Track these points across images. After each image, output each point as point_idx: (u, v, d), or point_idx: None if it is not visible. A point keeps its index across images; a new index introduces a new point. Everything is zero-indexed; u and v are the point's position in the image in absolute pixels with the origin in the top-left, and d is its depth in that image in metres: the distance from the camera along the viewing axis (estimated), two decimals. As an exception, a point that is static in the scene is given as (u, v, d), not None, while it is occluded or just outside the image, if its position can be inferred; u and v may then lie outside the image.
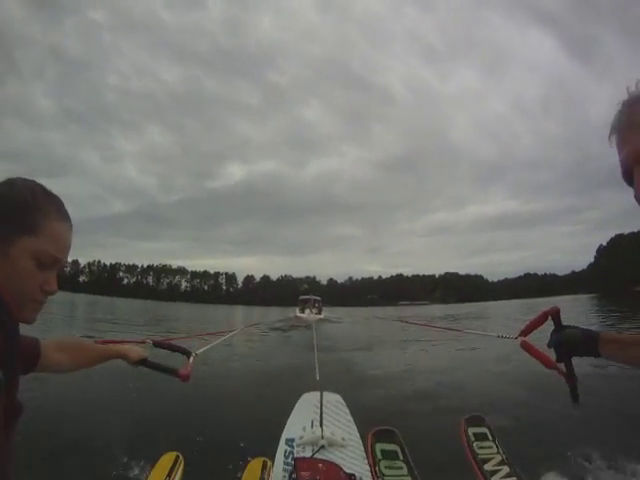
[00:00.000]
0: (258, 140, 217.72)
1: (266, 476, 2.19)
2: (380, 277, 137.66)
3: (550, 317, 1.19)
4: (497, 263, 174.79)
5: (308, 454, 1.94)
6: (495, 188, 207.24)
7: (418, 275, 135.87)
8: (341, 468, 1.71)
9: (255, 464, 2.31)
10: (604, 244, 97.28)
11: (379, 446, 2.39)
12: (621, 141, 0.64)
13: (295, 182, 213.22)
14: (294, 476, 1.61)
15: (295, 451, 1.99)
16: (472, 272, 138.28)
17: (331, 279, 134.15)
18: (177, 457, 2.37)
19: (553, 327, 1.17)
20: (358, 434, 2.17)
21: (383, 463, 2.28)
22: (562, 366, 1.17)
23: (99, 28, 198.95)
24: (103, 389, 5.15)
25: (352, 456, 2.00)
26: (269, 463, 2.26)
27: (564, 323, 1.18)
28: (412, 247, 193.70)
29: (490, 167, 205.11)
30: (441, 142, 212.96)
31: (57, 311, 16.76)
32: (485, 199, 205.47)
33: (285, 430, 2.14)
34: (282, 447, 2.03)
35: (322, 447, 1.96)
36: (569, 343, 1.11)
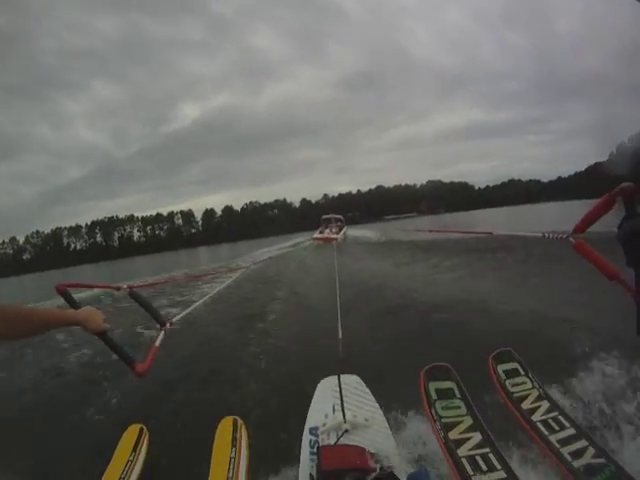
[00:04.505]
0: (209, 75, 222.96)
1: (238, 435, 2.33)
2: (359, 191, 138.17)
3: (622, 199, 0.96)
4: (470, 172, 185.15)
5: (333, 441, 2.04)
6: (458, 99, 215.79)
7: (400, 185, 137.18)
8: (365, 450, 1.80)
9: (225, 423, 2.43)
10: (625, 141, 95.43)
11: (433, 385, 2.47)
12: None
13: (252, 111, 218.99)
14: (319, 465, 1.71)
15: (320, 439, 2.10)
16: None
17: (304, 199, 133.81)
18: (141, 429, 2.49)
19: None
20: (381, 411, 2.27)
21: (439, 404, 2.37)
22: (629, 276, 0.97)
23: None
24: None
25: (377, 435, 2.10)
26: (240, 421, 2.42)
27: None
28: (380, 163, 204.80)
29: (452, 77, 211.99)
30: (399, 55, 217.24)
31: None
32: (448, 109, 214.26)
33: (307, 419, 2.24)
34: (306, 437, 2.14)
35: (346, 431, 2.07)
36: None
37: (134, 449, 2.38)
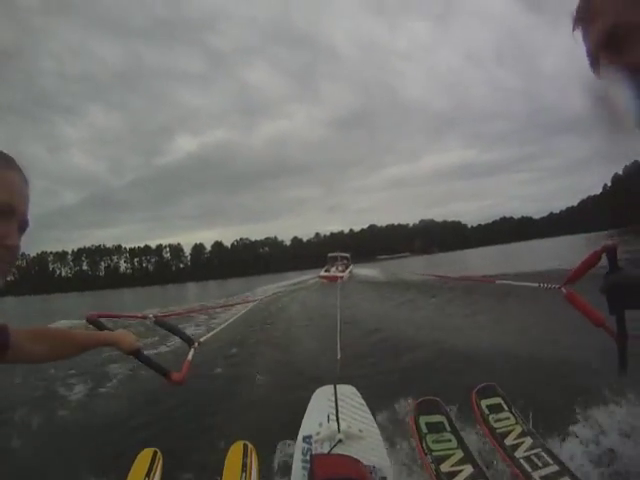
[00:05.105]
0: (205, 109, 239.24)
1: (248, 461, 2.35)
2: (352, 230, 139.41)
3: (605, 255, 1.10)
4: (463, 211, 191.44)
5: (326, 450, 2.04)
6: (450, 138, 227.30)
7: (392, 224, 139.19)
8: (359, 461, 1.77)
9: (236, 449, 2.46)
10: (619, 172, 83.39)
11: (423, 419, 2.51)
12: (585, 30, 0.63)
13: (247, 148, 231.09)
14: (312, 474, 1.69)
15: (313, 448, 2.10)
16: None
17: (295, 237, 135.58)
18: (155, 453, 2.48)
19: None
20: (375, 423, 2.29)
21: (430, 437, 2.40)
22: (611, 323, 1.10)
23: (29, 13, 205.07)
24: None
25: (371, 447, 2.10)
26: (250, 446, 2.44)
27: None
28: (372, 203, 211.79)
29: (444, 118, 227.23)
30: (392, 96, 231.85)
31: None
32: (441, 149, 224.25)
33: (302, 427, 2.25)
34: (300, 445, 2.14)
35: (340, 441, 2.07)
36: (628, 288, 0.96)
37: (147, 474, 2.30)
